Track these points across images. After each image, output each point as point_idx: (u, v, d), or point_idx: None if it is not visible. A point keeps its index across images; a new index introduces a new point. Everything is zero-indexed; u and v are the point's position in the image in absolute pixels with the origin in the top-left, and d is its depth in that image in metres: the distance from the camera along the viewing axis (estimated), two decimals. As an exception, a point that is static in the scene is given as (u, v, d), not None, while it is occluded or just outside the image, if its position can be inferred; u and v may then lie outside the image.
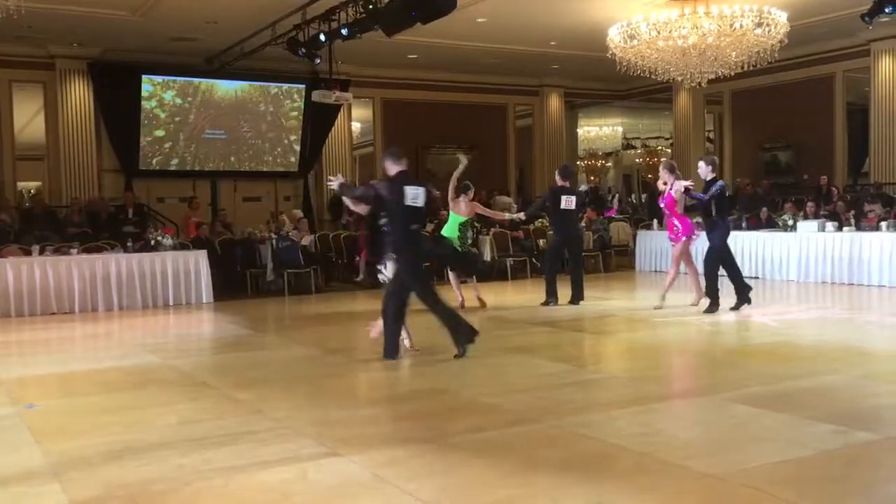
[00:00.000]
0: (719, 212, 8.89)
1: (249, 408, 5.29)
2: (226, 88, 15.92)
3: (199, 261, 11.39)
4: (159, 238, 11.48)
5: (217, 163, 16.11)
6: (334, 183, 6.76)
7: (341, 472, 3.96)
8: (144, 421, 5.03)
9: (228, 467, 4.05)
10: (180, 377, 6.46)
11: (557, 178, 10.10)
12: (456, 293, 10.13)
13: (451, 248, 9.88)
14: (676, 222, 9.19)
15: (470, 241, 10.09)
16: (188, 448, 4.38)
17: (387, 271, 6.98)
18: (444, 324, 6.77)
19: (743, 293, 9.04)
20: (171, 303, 11.08)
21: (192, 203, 14.71)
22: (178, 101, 15.49)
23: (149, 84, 15.11)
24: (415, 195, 6.60)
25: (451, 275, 10.40)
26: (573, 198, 9.95)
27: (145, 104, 15.09)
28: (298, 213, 15.21)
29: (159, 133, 15.43)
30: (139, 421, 5.03)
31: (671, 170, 9.27)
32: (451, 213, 9.90)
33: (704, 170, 9.05)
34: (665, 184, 9.27)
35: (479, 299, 10.10)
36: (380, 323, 7.00)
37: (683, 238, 9.16)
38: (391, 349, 6.76)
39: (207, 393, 5.84)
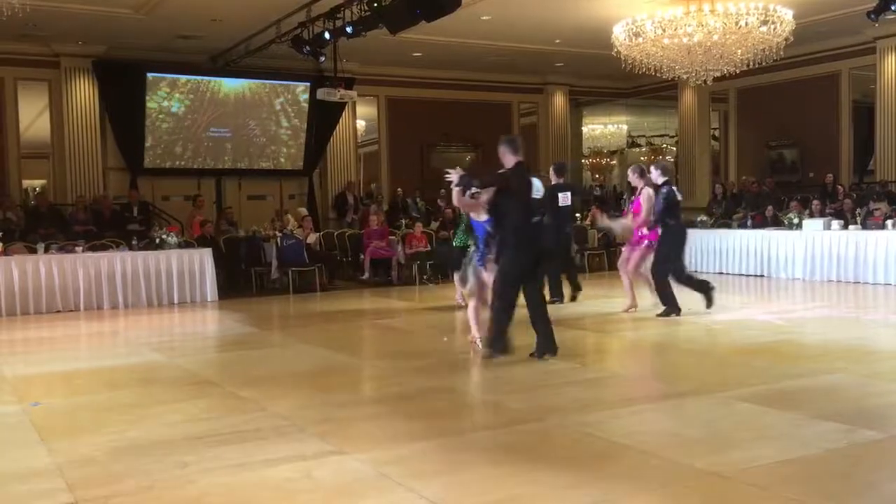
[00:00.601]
0: (663, 219, 8.69)
1: (254, 406, 5.30)
2: (230, 86, 15.93)
3: (203, 259, 11.41)
4: (164, 236, 11.50)
5: (222, 161, 16.12)
6: (453, 175, 6.51)
7: (346, 471, 3.96)
8: (149, 419, 5.04)
9: (233, 465, 4.05)
10: (185, 375, 6.47)
11: (552, 175, 10.07)
12: (458, 293, 10.17)
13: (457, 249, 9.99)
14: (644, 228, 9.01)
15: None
16: (193, 446, 4.39)
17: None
18: (491, 323, 6.57)
19: (706, 292, 8.82)
20: (175, 301, 11.10)
21: (196, 201, 14.73)
22: (183, 99, 15.50)
23: (153, 82, 15.11)
24: (537, 187, 6.50)
25: (455, 275, 10.40)
26: (568, 194, 9.93)
27: (150, 102, 15.10)
28: (303, 210, 15.22)
29: (164, 131, 15.44)
30: (144, 419, 5.04)
31: (641, 174, 9.10)
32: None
33: (654, 175, 8.89)
34: (635, 189, 9.17)
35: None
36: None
37: (646, 243, 8.96)
38: (548, 344, 6.57)
39: (212, 391, 5.85)
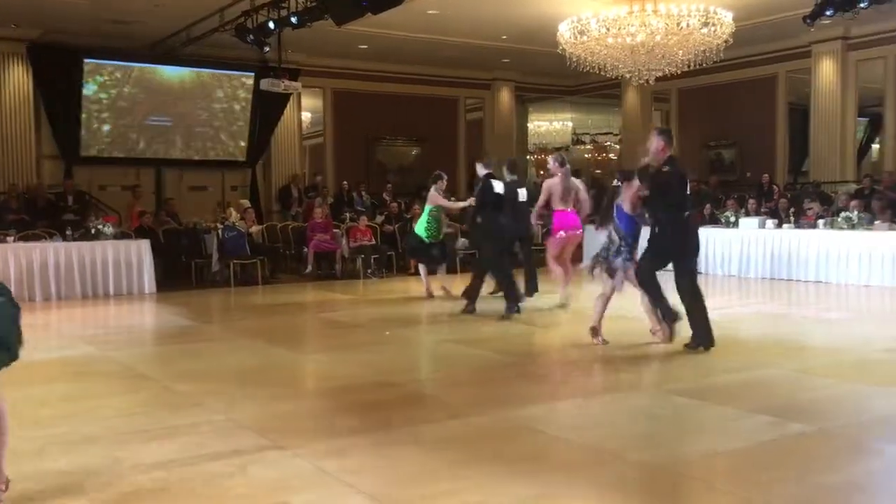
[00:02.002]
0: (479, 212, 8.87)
1: (190, 400, 5.21)
2: (172, 74, 15.59)
3: (141, 250, 11.17)
4: (100, 227, 11.21)
5: (162, 151, 15.78)
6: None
7: (283, 466, 3.92)
8: (81, 413, 4.91)
9: (167, 461, 3.97)
10: (119, 369, 6.33)
11: (505, 173, 10.12)
12: (423, 284, 10.27)
13: (417, 240, 10.14)
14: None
15: (437, 232, 10.16)
16: (126, 441, 4.30)
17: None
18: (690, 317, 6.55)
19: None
20: (111, 293, 10.83)
21: (135, 191, 14.40)
22: (122, 86, 15.12)
23: (91, 68, 14.71)
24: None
25: (420, 266, 10.46)
26: (524, 190, 10.01)
27: (87, 89, 14.70)
28: (245, 202, 15.00)
29: (102, 119, 15.05)
30: (76, 413, 4.91)
31: (562, 163, 9.20)
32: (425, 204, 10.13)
33: (479, 167, 9.09)
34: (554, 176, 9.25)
35: (444, 289, 10.17)
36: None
37: (559, 234, 9.08)
38: (703, 336, 6.51)
39: (147, 385, 5.73)
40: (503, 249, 9.09)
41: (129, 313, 9.86)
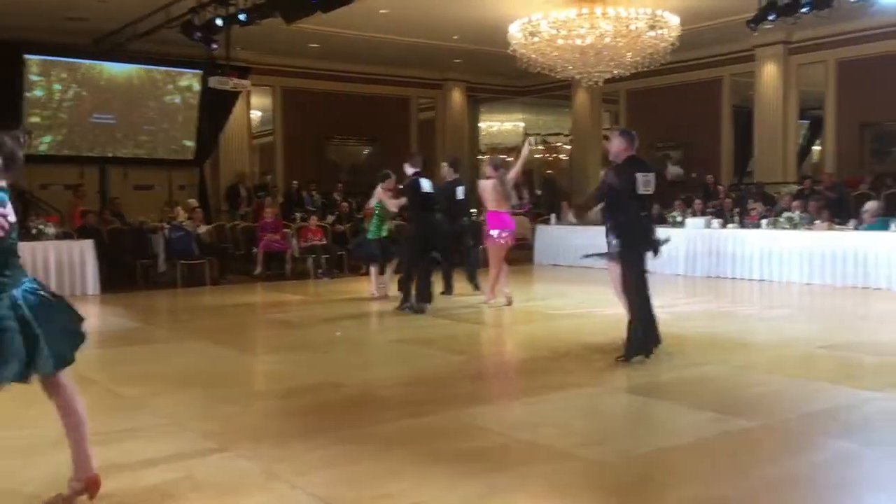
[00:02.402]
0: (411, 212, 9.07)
1: (135, 403, 5.10)
2: (116, 71, 15.28)
3: (84, 251, 10.91)
4: (41, 226, 10.92)
5: (107, 149, 15.45)
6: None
7: (230, 469, 3.86)
8: (20, 419, 4.76)
9: (110, 466, 3.86)
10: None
11: (447, 171, 10.12)
12: (372, 284, 10.24)
13: (361, 237, 10.29)
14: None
15: (378, 230, 10.12)
16: (65, 446, 4.15)
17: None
18: (631, 326, 6.20)
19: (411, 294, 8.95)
20: (54, 294, 10.55)
21: (77, 190, 14.06)
22: (65, 83, 14.76)
23: (32, 64, 14.33)
24: (647, 181, 6.25)
25: (373, 267, 10.43)
26: (462, 188, 10.02)
27: (28, 85, 14.30)
28: (193, 202, 14.77)
29: (44, 116, 14.67)
30: (14, 419, 4.76)
31: (496, 166, 9.29)
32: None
33: (406, 167, 9.17)
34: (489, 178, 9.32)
35: (382, 291, 10.17)
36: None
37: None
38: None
39: (90, 388, 5.57)
40: (425, 249, 9.04)
41: (72, 315, 9.61)
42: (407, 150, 19.55)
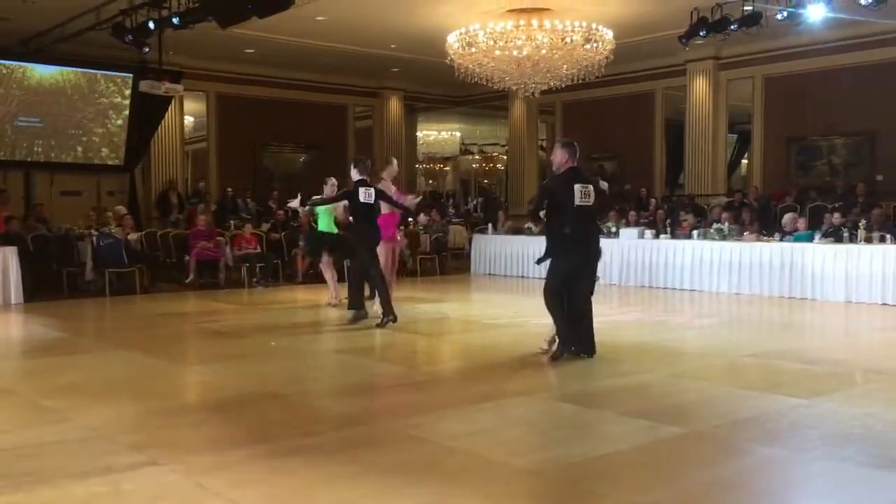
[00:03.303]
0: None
1: (59, 416, 4.92)
2: (43, 73, 14.80)
3: (7, 257, 10.50)
4: (-39, 232, 10.50)
5: (32, 153, 14.94)
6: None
7: (159, 483, 3.76)
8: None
9: (31, 481, 3.73)
10: (-19, 384, 5.92)
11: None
12: (331, 290, 10.22)
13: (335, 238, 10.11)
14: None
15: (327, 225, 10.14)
16: (-14, 462, 4.01)
17: None
18: (556, 328, 6.63)
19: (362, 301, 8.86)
20: (-26, 303, 10.16)
21: (1, 196, 13.55)
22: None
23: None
24: (585, 193, 6.41)
25: (328, 272, 10.31)
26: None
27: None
28: (121, 209, 14.40)
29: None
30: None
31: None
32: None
33: (352, 172, 8.83)
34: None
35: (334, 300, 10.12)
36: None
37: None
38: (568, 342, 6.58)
39: (11, 400, 5.38)
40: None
41: (-7, 325, 9.26)
42: (344, 158, 19.46)
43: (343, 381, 6.09)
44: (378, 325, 8.30)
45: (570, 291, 6.61)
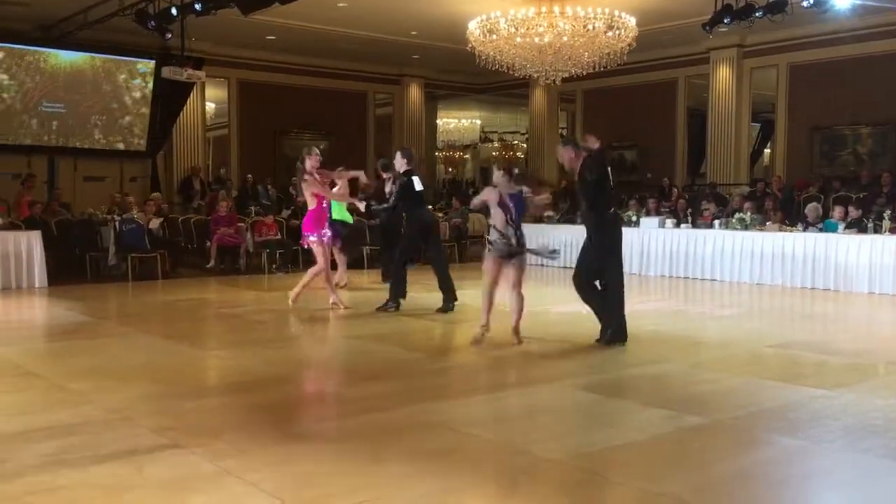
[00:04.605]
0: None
1: (83, 398, 4.98)
2: (67, 59, 14.90)
3: (31, 242, 10.63)
4: (-13, 216, 10.64)
5: (55, 139, 15.07)
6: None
7: (181, 465, 3.79)
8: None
9: (56, 462, 3.78)
10: (6, 366, 5.99)
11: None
12: (341, 274, 10.25)
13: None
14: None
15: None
16: (11, 442, 4.07)
17: None
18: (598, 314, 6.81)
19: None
20: (-1, 287, 10.29)
21: (25, 181, 13.70)
22: (12, 70, 14.35)
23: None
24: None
25: (340, 256, 10.36)
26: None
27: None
28: (158, 196, 14.58)
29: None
30: None
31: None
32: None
33: (399, 162, 8.78)
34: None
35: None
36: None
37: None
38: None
39: (36, 383, 5.45)
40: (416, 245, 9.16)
41: (18, 308, 9.38)
42: (363, 145, 19.57)
43: (362, 367, 6.12)
44: (379, 309, 8.48)
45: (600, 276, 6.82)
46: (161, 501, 3.39)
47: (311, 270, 8.68)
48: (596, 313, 6.86)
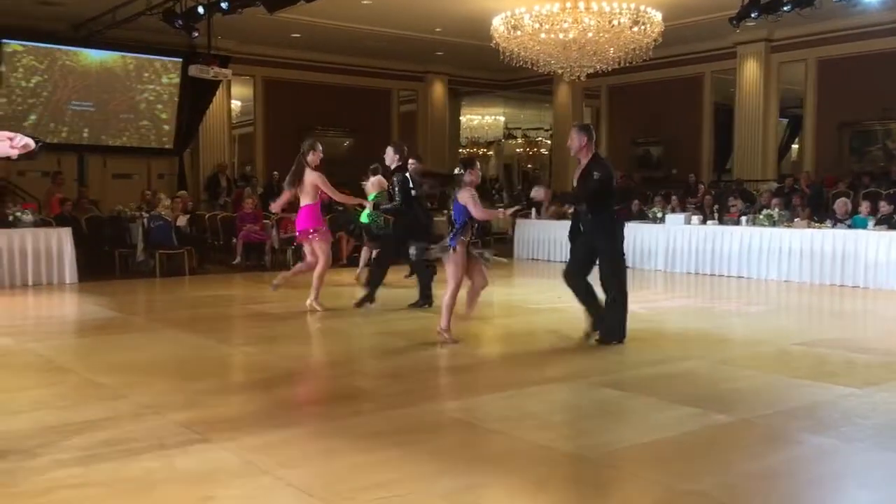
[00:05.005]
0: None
1: (113, 393, 5.05)
2: (95, 58, 15.10)
3: (62, 238, 10.79)
4: (18, 214, 10.79)
5: (85, 137, 15.27)
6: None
7: (211, 459, 3.84)
8: (-5, 408, 4.71)
9: (88, 456, 3.84)
10: (37, 361, 6.10)
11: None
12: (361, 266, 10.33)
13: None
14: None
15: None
16: (43, 436, 4.13)
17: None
18: (590, 313, 6.67)
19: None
20: (30, 282, 10.43)
21: (55, 178, 13.90)
22: (43, 68, 14.56)
23: (9, 50, 14.12)
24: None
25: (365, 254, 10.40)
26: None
27: (5, 71, 14.10)
28: (185, 194, 14.70)
29: (21, 102, 14.47)
30: None
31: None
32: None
33: (391, 157, 8.69)
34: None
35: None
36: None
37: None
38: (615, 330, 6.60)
39: (67, 378, 5.54)
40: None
41: (49, 303, 9.52)
42: (387, 142, 19.46)
43: (386, 364, 6.14)
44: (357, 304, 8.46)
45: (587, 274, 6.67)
46: (191, 495, 3.43)
47: (316, 272, 8.38)
48: (593, 312, 6.68)
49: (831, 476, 3.83)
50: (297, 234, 8.59)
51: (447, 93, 20.36)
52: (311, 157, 8.15)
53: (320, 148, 8.33)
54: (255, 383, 5.62)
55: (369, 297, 8.60)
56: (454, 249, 6.42)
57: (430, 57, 18.59)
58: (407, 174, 8.70)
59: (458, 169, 6.70)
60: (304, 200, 8.21)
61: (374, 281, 8.71)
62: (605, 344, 6.57)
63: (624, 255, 6.86)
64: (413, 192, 8.69)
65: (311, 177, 8.13)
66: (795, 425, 4.50)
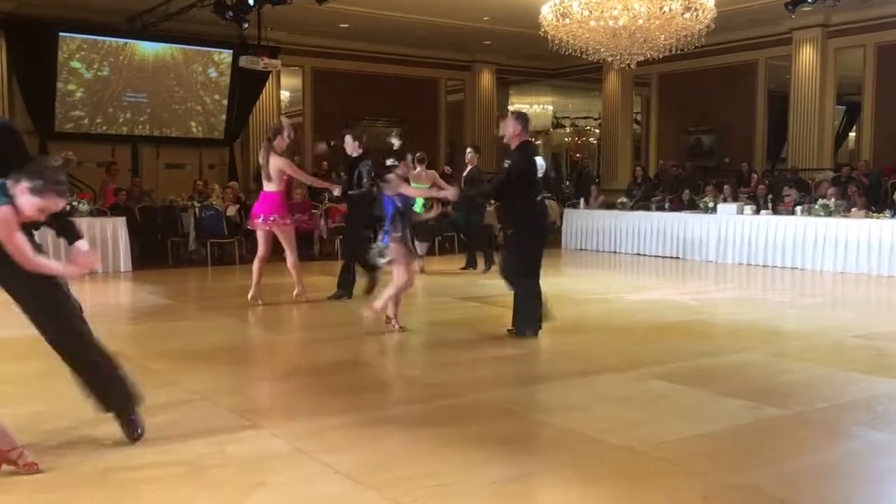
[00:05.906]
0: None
1: (166, 379, 5.15)
2: (149, 50, 15.36)
3: (116, 228, 11.03)
4: (75, 203, 11.04)
5: (138, 128, 15.58)
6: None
7: (260, 445, 3.89)
8: (54, 392, 4.82)
9: (142, 441, 3.92)
10: (94, 347, 6.23)
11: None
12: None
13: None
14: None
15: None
16: (99, 420, 4.22)
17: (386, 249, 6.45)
18: (517, 306, 6.52)
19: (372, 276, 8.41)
20: (87, 271, 10.67)
21: (109, 168, 14.21)
22: (98, 61, 14.87)
23: (66, 42, 14.45)
24: (541, 165, 6.40)
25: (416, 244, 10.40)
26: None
27: (62, 63, 14.44)
28: (235, 185, 14.92)
29: (77, 94, 14.82)
30: (48, 392, 4.84)
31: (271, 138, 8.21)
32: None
33: (351, 146, 8.34)
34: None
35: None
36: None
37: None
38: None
39: (123, 363, 5.64)
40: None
41: (105, 291, 9.74)
42: (435, 132, 19.61)
43: (434, 354, 6.15)
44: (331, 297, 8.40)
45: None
46: (241, 480, 3.48)
47: (290, 263, 8.26)
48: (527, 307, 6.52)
49: (889, 471, 3.73)
50: (251, 218, 8.19)
51: (495, 82, 20.25)
52: (277, 142, 7.77)
53: (288, 133, 7.88)
54: (303, 371, 5.68)
55: (371, 285, 8.31)
56: (388, 247, 6.36)
57: (477, 46, 18.50)
58: (370, 161, 8.27)
59: (390, 160, 6.60)
60: (269, 187, 7.88)
61: (347, 279, 8.52)
62: (518, 336, 6.44)
63: (541, 247, 6.53)
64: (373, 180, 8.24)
65: (277, 162, 7.78)
66: (852, 419, 4.39)
